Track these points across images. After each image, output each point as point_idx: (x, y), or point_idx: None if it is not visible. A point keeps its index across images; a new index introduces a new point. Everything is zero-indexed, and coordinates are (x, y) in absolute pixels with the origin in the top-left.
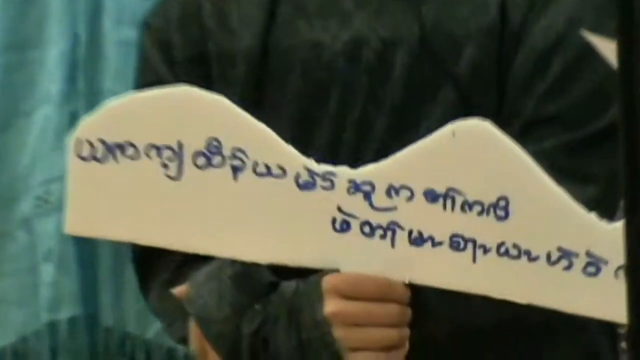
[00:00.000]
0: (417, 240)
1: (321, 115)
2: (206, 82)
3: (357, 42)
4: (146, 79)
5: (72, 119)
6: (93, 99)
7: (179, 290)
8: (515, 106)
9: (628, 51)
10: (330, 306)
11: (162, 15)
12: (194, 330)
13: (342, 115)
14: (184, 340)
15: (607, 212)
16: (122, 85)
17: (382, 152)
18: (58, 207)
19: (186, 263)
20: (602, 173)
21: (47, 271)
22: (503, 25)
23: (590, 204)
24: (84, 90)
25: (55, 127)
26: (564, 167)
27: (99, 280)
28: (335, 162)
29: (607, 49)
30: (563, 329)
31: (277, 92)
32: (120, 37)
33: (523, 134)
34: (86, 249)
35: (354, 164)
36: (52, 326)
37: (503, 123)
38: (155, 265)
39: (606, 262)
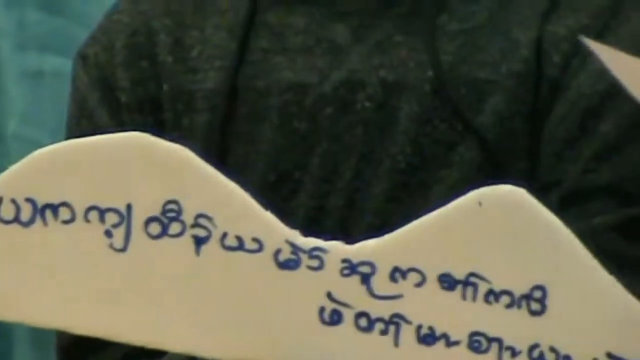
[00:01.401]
0: (428, 337)
1: (301, 176)
2: (158, 132)
3: (352, 85)
4: (81, 128)
5: None
6: None
7: None
8: (554, 172)
9: None
10: None
11: (103, 45)
12: None
13: (329, 176)
14: None
15: None
16: (31, 127)
17: (378, 226)
18: None
19: None
20: None
21: None
22: (539, 70)
23: None
24: None
25: None
26: (619, 252)
27: None
28: (317, 237)
29: (615, 61)
30: None
31: (246, 145)
32: (24, 66)
33: (564, 208)
34: None
35: (342, 240)
36: None
37: (538, 193)
38: None
39: None
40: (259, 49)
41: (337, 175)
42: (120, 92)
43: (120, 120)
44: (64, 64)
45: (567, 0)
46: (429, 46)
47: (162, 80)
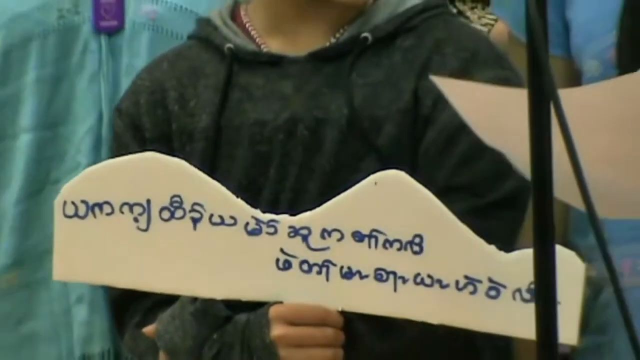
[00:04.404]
0: (347, 274)
1: (264, 180)
2: (170, 156)
3: (295, 120)
4: (120, 156)
5: None
6: None
7: (148, 329)
8: (428, 176)
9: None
10: (277, 331)
11: (132, 101)
12: None
13: (281, 180)
14: None
15: None
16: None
17: None
18: None
19: (154, 307)
20: (503, 232)
21: (81, 312)
22: (416, 109)
23: None
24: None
25: None
26: (472, 227)
27: None
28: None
29: (452, 90)
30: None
31: (228, 162)
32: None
33: (437, 198)
34: None
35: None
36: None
37: None
38: (128, 310)
39: (505, 286)
40: (234, 100)
41: (286, 179)
42: (145, 131)
43: (145, 150)
44: None
45: (434, 65)
46: (346, 95)
47: (172, 122)
